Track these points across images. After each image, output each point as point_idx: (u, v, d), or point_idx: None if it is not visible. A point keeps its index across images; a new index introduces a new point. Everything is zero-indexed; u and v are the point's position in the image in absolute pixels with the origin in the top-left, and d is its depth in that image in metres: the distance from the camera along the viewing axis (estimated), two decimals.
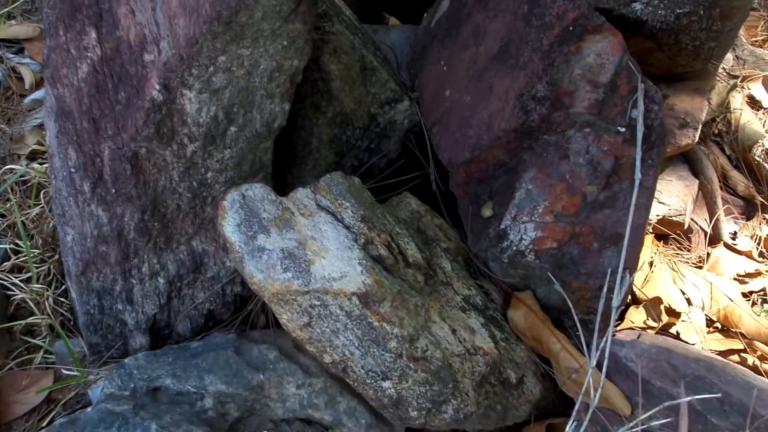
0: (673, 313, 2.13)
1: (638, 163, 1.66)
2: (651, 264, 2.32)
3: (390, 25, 2.62)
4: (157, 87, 1.50)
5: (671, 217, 2.38)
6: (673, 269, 2.32)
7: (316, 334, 1.48)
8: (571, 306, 1.61)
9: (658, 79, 2.37)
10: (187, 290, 1.83)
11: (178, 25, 1.44)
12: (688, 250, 2.43)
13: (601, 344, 1.60)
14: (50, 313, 1.98)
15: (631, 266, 1.66)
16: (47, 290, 2.00)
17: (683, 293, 2.17)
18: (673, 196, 2.40)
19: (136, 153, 1.58)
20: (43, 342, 1.89)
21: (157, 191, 1.66)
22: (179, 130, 1.58)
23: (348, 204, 1.56)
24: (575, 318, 1.69)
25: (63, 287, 1.91)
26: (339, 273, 1.45)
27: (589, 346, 1.64)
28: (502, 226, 1.77)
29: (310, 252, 1.46)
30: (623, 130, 1.68)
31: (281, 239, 1.48)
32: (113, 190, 1.63)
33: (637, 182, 1.64)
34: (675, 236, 2.41)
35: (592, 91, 1.62)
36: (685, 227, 2.40)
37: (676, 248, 2.42)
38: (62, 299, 2.01)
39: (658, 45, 2.03)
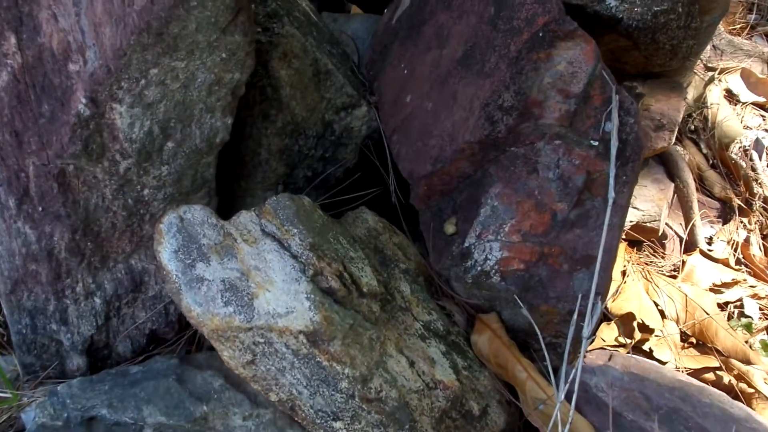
0: (647, 329, 2.03)
1: (612, 181, 1.59)
2: (624, 273, 2.23)
3: (352, 14, 2.53)
4: (84, 100, 1.39)
5: (645, 222, 2.30)
6: (646, 279, 2.23)
7: (261, 372, 1.37)
8: (538, 332, 1.57)
9: (633, 76, 2.27)
10: (126, 309, 1.74)
11: (104, 35, 1.33)
12: (663, 258, 2.35)
13: (571, 374, 1.54)
14: None
15: (603, 291, 1.60)
16: None
17: (657, 305, 2.11)
18: (648, 200, 2.31)
19: (63, 170, 1.47)
20: None
21: (88, 210, 1.57)
22: (110, 146, 1.48)
23: (296, 230, 1.45)
24: (542, 345, 1.63)
25: None
26: (285, 308, 1.34)
27: (557, 374, 1.60)
28: (466, 244, 1.68)
29: (254, 284, 1.34)
30: (596, 143, 1.61)
31: (222, 269, 1.37)
32: (40, 208, 1.51)
33: (610, 201, 1.57)
34: (649, 243, 2.32)
35: (563, 101, 1.57)
36: (660, 233, 2.30)
37: (650, 256, 2.32)
38: None
39: (634, 44, 1.96)
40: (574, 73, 1.56)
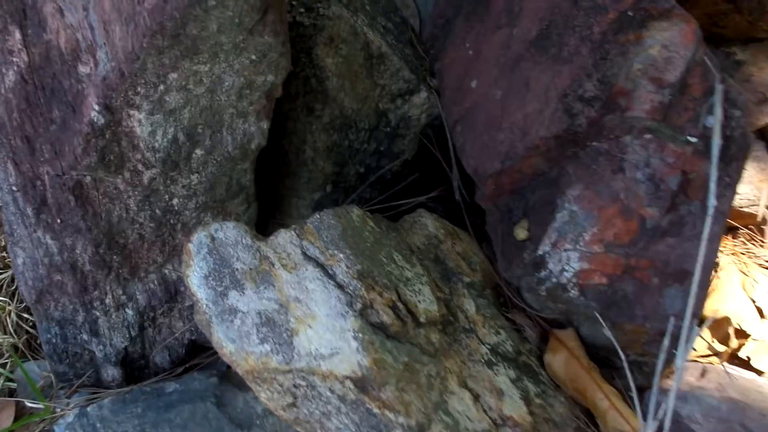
0: (743, 334, 1.86)
1: (713, 184, 1.40)
2: (716, 266, 1.99)
3: None
4: (97, 107, 1.28)
5: (742, 207, 2.07)
6: (742, 272, 2.00)
7: (304, 415, 1.22)
8: (621, 355, 1.43)
9: (732, 41, 2.02)
10: (163, 319, 1.64)
11: (115, 34, 1.20)
12: (762, 246, 2.09)
13: (661, 404, 1.37)
14: (13, 330, 1.79)
15: (700, 310, 1.45)
16: (9, 304, 1.80)
17: (754, 302, 1.93)
18: (746, 182, 2.05)
19: (80, 182, 1.36)
20: (3, 369, 1.71)
21: (111, 222, 1.46)
22: (130, 156, 1.37)
23: (342, 255, 1.30)
24: (627, 371, 1.44)
25: None
26: (329, 348, 1.17)
27: (642, 397, 1.49)
28: (540, 253, 1.55)
29: (294, 318, 1.18)
30: (694, 140, 1.43)
31: (258, 299, 1.23)
32: (59, 220, 1.42)
33: (711, 207, 1.39)
34: (746, 230, 2.07)
35: (656, 91, 1.40)
36: (759, 219, 2.05)
37: (746, 244, 2.08)
38: (27, 315, 1.80)
39: (736, 7, 1.80)
40: (669, 58, 1.38)
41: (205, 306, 1.25)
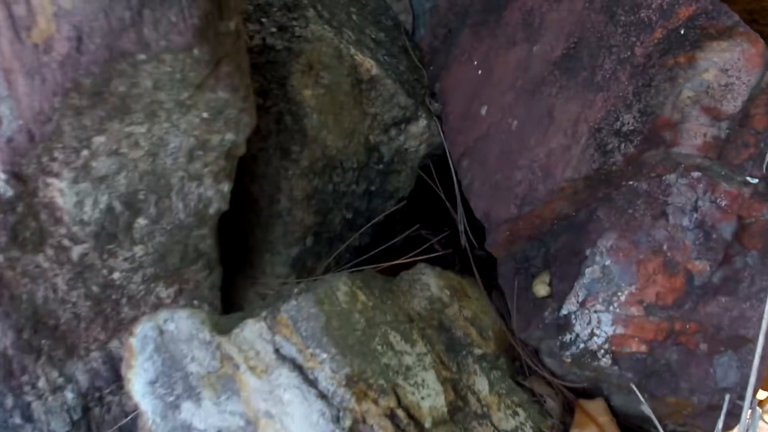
0: None
1: None
2: None
3: None
4: (3, 176, 1.10)
5: None
6: None
7: None
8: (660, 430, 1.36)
9: None
10: (111, 397, 1.46)
11: (18, 87, 0.98)
12: None
13: None
14: None
15: (763, 382, 1.44)
16: None
17: None
18: None
19: None
20: None
21: (35, 304, 1.29)
22: (52, 231, 1.20)
23: (326, 356, 1.11)
24: None
25: None
26: None
27: None
28: (564, 312, 1.43)
29: None
30: (755, 180, 1.30)
31: (219, 413, 1.05)
32: None
33: None
34: None
35: (710, 124, 1.28)
36: None
37: None
38: None
39: None
40: (728, 85, 1.25)
41: (151, 421, 1.06)
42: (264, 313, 1.16)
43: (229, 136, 1.23)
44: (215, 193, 1.32)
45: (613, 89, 1.30)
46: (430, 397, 1.20)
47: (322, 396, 1.09)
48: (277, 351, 1.15)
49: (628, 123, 1.29)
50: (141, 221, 1.28)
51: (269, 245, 1.58)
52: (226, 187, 1.32)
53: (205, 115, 1.16)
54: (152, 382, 1.09)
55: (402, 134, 1.65)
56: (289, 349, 1.15)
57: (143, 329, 1.11)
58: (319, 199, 1.57)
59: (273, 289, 1.49)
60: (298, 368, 1.14)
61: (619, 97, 1.29)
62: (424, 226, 1.79)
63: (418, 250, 1.62)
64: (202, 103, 1.14)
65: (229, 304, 1.52)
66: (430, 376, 1.24)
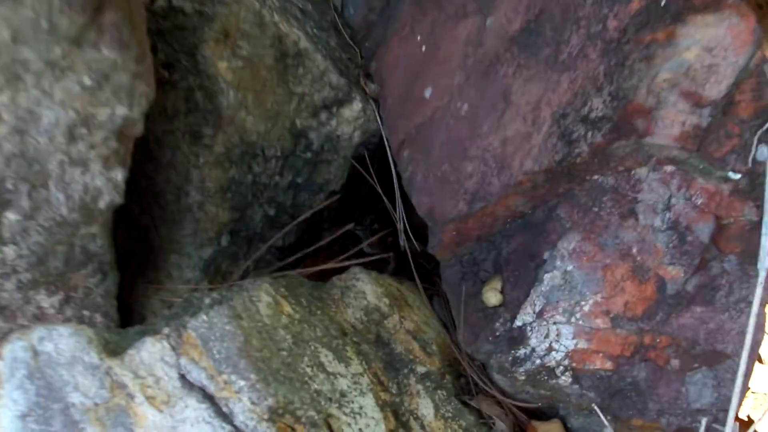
0: None
1: (766, 239, 1.18)
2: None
3: None
4: None
5: None
6: None
7: None
8: None
9: None
10: None
11: None
12: None
13: None
14: None
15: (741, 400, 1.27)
16: None
17: None
18: None
19: None
20: None
21: None
22: None
23: (243, 382, 0.96)
24: None
25: None
26: None
27: None
28: (518, 323, 1.35)
29: None
30: (737, 176, 1.20)
31: None
32: None
33: (763, 270, 1.19)
34: None
35: (690, 111, 1.17)
36: None
37: None
38: None
39: None
40: (712, 66, 1.13)
41: None
42: (167, 330, 1.00)
43: (121, 110, 1.08)
44: (105, 183, 1.16)
45: (582, 69, 1.20)
46: (369, 427, 1.08)
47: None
48: (182, 377, 1.00)
49: (597, 108, 1.18)
50: (11, 216, 1.12)
51: (177, 245, 1.45)
52: (119, 175, 1.18)
53: (86, 81, 1.02)
54: (23, 416, 0.94)
55: (333, 118, 1.55)
56: (198, 375, 0.99)
57: (12, 350, 0.95)
58: (236, 191, 1.45)
59: (181, 297, 1.35)
60: (209, 398, 0.98)
61: (589, 78, 1.19)
62: (358, 224, 1.69)
63: (351, 252, 1.52)
64: (82, 64, 1.00)
65: (128, 313, 1.39)
66: (368, 402, 1.11)
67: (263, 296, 1.09)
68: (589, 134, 1.20)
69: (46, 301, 1.23)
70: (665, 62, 1.14)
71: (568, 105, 1.21)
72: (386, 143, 1.60)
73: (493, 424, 1.41)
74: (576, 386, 1.32)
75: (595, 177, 1.27)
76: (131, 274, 1.41)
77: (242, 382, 0.96)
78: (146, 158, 1.27)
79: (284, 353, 1.04)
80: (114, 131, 1.14)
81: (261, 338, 1.03)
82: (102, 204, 1.19)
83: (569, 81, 1.22)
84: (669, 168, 1.22)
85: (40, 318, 1.19)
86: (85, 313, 1.24)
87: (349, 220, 1.62)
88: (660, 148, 1.20)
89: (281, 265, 1.51)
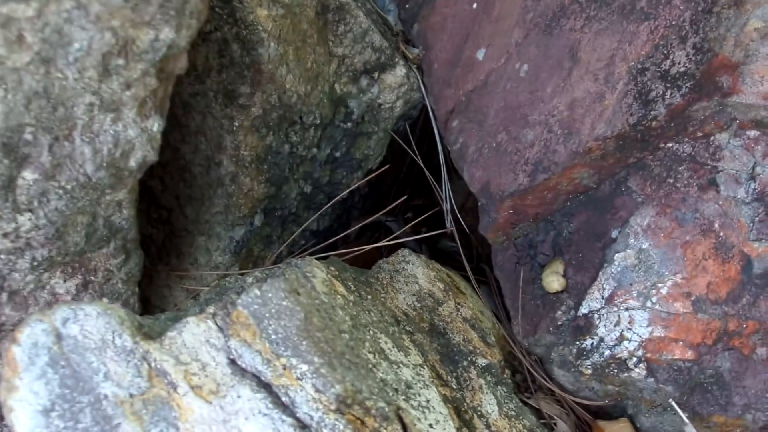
0: None
1: None
2: None
3: None
4: None
5: None
6: None
7: None
8: None
9: None
10: None
11: None
12: None
13: None
14: None
15: None
16: None
17: None
18: None
19: None
20: None
21: None
22: None
23: (306, 367, 0.85)
24: None
25: None
26: None
27: None
28: (584, 310, 1.30)
29: None
30: None
31: None
32: None
33: None
34: None
35: None
36: None
37: None
38: None
39: None
40: None
41: None
42: (212, 309, 0.90)
43: (166, 33, 0.96)
44: (140, 134, 1.05)
45: (664, 17, 1.16)
46: (438, 423, 0.98)
47: (303, 427, 0.85)
48: (233, 362, 0.91)
49: (680, 63, 1.14)
50: (28, 176, 1.02)
51: (205, 226, 1.39)
52: (155, 124, 1.07)
53: None
54: (46, 411, 0.83)
55: (375, 85, 1.51)
56: (252, 359, 0.90)
57: (32, 334, 0.84)
58: (273, 163, 1.39)
59: (208, 285, 1.27)
60: (266, 387, 0.90)
61: (672, 27, 1.14)
62: (395, 210, 1.64)
63: (399, 231, 1.44)
64: None
65: (146, 306, 1.32)
66: (434, 395, 1.03)
67: (318, 272, 1.00)
68: (668, 93, 1.16)
69: (62, 285, 1.15)
70: (757, 8, 1.11)
71: (647, 59, 1.17)
72: (431, 114, 1.56)
73: (555, 424, 1.33)
74: (651, 380, 1.25)
75: (670, 144, 1.22)
76: (150, 261, 1.36)
77: (305, 366, 0.87)
78: (171, 125, 1.18)
79: (346, 336, 0.95)
80: (155, 65, 1.04)
81: (321, 317, 0.94)
82: (133, 161, 1.09)
83: (649, 31, 1.18)
84: (752, 133, 1.18)
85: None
86: (104, 301, 1.12)
87: (384, 204, 1.57)
88: (746, 108, 1.15)
89: (314, 251, 1.45)
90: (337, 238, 1.54)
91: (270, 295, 0.92)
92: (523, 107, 1.35)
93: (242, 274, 1.17)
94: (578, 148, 1.23)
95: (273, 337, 0.91)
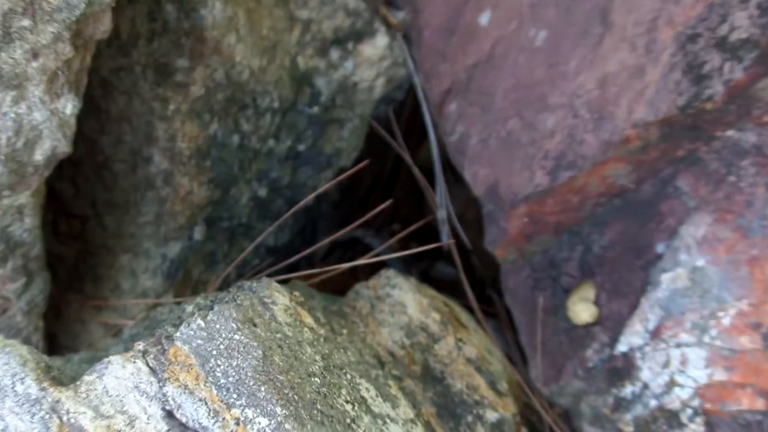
0: None
1: None
2: None
3: None
4: None
5: None
6: None
7: None
8: None
9: None
10: None
11: None
12: None
13: None
14: None
15: None
16: None
17: None
18: None
19: None
20: None
21: None
22: None
23: (265, 420, 0.91)
24: None
25: None
26: None
27: None
28: (623, 348, 1.35)
29: None
30: None
31: None
32: None
33: None
34: None
35: None
36: None
37: None
38: None
39: None
40: None
41: None
42: (141, 346, 0.96)
43: None
44: (49, 119, 1.14)
45: None
46: None
47: None
48: (169, 415, 0.98)
49: (740, 27, 1.20)
50: None
51: (130, 241, 1.51)
52: (69, 106, 1.16)
53: None
54: None
55: (349, 58, 1.63)
56: (195, 411, 0.97)
57: None
58: (218, 159, 1.52)
59: (135, 318, 1.33)
60: None
61: None
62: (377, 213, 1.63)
63: (382, 247, 1.49)
64: None
65: (52, 345, 1.38)
66: None
67: (279, 298, 1.05)
68: (726, 67, 1.22)
69: None
70: None
71: (699, 22, 1.23)
72: (421, 96, 1.61)
73: None
74: None
75: (730, 133, 1.28)
76: (59, 288, 1.42)
77: (264, 420, 0.92)
78: (86, 110, 1.25)
79: (316, 380, 1.01)
80: (70, 27, 1.10)
81: (284, 356, 0.99)
82: (40, 154, 1.17)
83: None
84: None
85: None
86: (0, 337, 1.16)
87: (361, 214, 1.61)
88: None
89: (271, 272, 1.47)
90: (299, 256, 1.55)
91: (218, 326, 0.97)
92: (541, 86, 1.43)
93: (179, 303, 1.21)
94: (612, 138, 1.29)
95: (222, 381, 0.96)
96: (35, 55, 1.12)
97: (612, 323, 1.38)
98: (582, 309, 1.39)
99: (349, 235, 1.67)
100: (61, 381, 0.96)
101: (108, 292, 1.47)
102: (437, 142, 1.59)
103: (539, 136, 1.41)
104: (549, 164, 1.38)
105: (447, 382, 1.35)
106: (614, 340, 1.36)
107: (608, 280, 1.40)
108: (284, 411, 0.96)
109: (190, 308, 1.04)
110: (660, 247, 1.33)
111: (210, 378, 0.98)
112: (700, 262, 1.29)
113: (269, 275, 1.46)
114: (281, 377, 0.98)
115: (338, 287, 1.46)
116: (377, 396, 1.13)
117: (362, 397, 1.10)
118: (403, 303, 1.39)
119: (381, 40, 1.61)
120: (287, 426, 0.93)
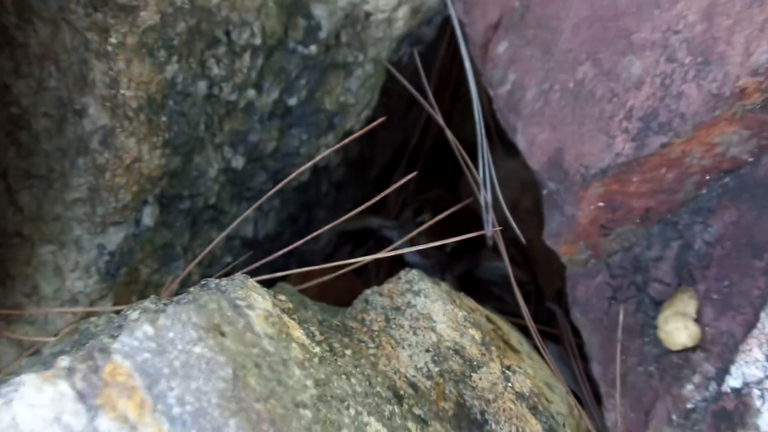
0: None
1: None
2: None
3: None
4: None
5: None
6: None
7: None
8: None
9: None
10: None
11: None
12: None
13: None
14: None
15: None
16: None
17: None
18: None
19: None
20: None
21: None
22: None
23: None
24: None
25: None
26: None
27: None
28: (736, 383, 1.35)
29: None
30: None
31: None
32: None
33: None
34: None
35: None
36: None
37: None
38: None
39: None
40: None
41: None
42: (66, 362, 0.94)
43: None
44: None
45: None
46: None
47: None
48: None
49: None
50: None
51: (53, 225, 1.47)
52: None
53: None
54: None
55: None
56: None
57: None
58: (178, 113, 1.46)
59: (58, 333, 1.24)
60: None
61: None
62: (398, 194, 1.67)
63: (400, 241, 1.42)
64: None
65: None
66: None
67: (257, 300, 1.02)
68: None
69: None
70: None
71: None
72: (459, 33, 1.55)
73: None
74: None
75: None
76: None
77: None
78: None
79: (307, 413, 1.00)
80: None
81: (263, 377, 0.99)
82: None
83: None
84: None
85: None
86: None
87: (373, 195, 1.57)
88: None
89: (248, 271, 1.43)
90: (288, 249, 1.51)
91: (171, 335, 0.94)
92: (624, 17, 1.49)
93: (119, 312, 1.18)
94: (722, 90, 1.33)
95: (176, 410, 0.97)
96: None
97: (720, 348, 1.39)
98: (678, 328, 1.42)
99: (360, 225, 1.64)
100: None
101: (22, 297, 1.43)
102: (480, 98, 1.54)
103: (621, 88, 1.44)
104: (634, 127, 1.40)
105: (490, 427, 1.33)
106: (724, 372, 1.38)
107: (715, 288, 1.42)
108: None
109: (134, 314, 1.01)
110: None
111: (159, 406, 1.01)
112: None
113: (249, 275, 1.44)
114: (258, 406, 0.99)
115: (343, 295, 1.42)
116: None
117: None
118: (430, 316, 1.40)
119: None
120: None
